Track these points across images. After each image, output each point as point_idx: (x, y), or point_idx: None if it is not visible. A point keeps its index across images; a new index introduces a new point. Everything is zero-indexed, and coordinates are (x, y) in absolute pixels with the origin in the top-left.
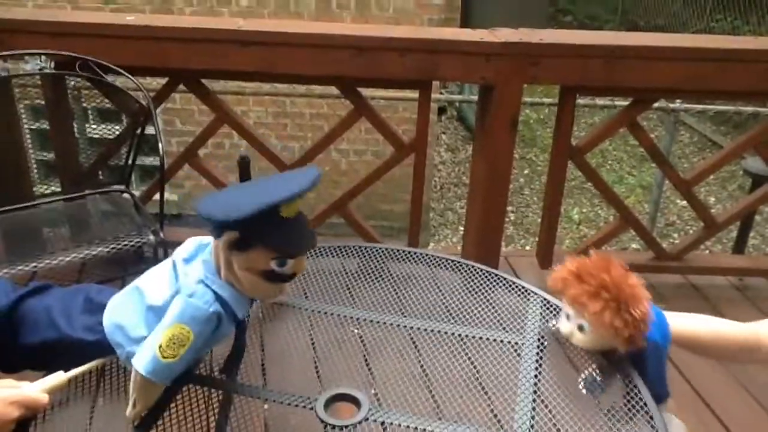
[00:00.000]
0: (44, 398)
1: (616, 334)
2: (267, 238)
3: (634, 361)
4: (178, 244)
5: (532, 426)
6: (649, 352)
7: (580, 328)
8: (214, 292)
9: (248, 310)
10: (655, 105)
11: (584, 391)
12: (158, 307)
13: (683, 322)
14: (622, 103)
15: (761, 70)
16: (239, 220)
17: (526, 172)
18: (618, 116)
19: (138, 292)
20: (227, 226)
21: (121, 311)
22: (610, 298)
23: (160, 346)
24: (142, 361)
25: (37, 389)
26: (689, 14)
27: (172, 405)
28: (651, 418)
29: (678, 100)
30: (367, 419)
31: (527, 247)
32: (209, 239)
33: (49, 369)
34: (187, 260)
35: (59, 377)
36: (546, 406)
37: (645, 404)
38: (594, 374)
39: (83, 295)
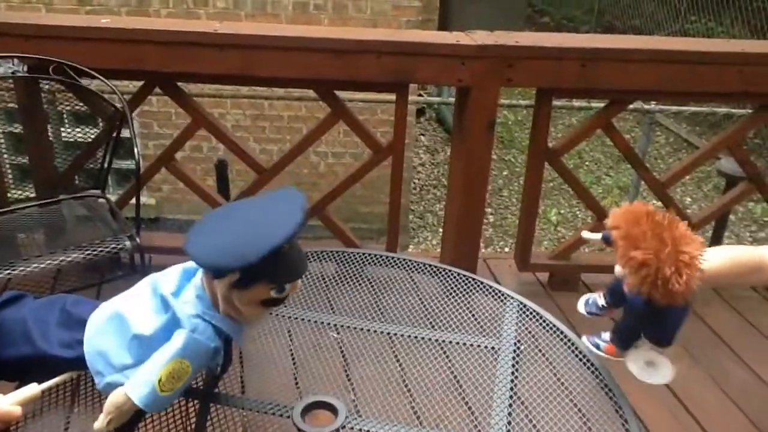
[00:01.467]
0: (17, 411)
1: (653, 299)
2: (269, 274)
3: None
4: (155, 249)
5: (509, 430)
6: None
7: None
8: (214, 327)
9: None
10: (631, 106)
11: (583, 309)
12: (146, 336)
13: (716, 264)
14: (599, 104)
15: (734, 72)
16: (245, 266)
17: (505, 173)
18: (594, 118)
19: (119, 319)
20: (231, 270)
21: (103, 337)
22: (648, 273)
23: (160, 380)
24: (138, 392)
25: (9, 402)
26: (664, 15)
27: (149, 415)
28: (626, 422)
29: (653, 102)
30: (344, 426)
31: (506, 249)
32: (190, 266)
33: (23, 380)
34: (175, 293)
35: (33, 389)
36: (524, 410)
37: (620, 407)
38: (598, 297)
39: (59, 307)
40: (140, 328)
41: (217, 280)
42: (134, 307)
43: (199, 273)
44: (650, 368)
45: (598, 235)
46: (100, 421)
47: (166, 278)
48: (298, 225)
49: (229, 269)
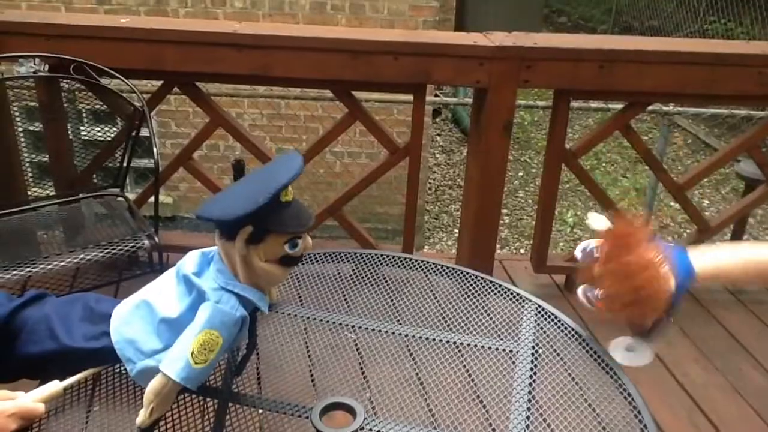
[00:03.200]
0: (41, 408)
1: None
2: (278, 224)
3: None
4: (174, 248)
5: None
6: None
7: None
8: (237, 296)
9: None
10: (649, 108)
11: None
12: (173, 319)
13: (708, 260)
14: (616, 105)
15: (754, 74)
16: (253, 212)
17: (520, 174)
18: (611, 120)
19: (146, 305)
20: (240, 223)
21: (130, 326)
22: (622, 304)
23: (192, 353)
24: (174, 368)
25: (32, 399)
26: (683, 16)
27: (168, 413)
28: (645, 427)
29: (671, 103)
30: (363, 428)
31: (522, 250)
32: (209, 250)
33: (45, 377)
34: (197, 273)
35: (55, 386)
36: (541, 414)
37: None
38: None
39: (81, 304)
40: (167, 311)
41: (233, 242)
42: (159, 293)
43: (217, 250)
44: (631, 353)
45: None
46: (143, 415)
47: (187, 262)
48: (299, 169)
49: (239, 217)
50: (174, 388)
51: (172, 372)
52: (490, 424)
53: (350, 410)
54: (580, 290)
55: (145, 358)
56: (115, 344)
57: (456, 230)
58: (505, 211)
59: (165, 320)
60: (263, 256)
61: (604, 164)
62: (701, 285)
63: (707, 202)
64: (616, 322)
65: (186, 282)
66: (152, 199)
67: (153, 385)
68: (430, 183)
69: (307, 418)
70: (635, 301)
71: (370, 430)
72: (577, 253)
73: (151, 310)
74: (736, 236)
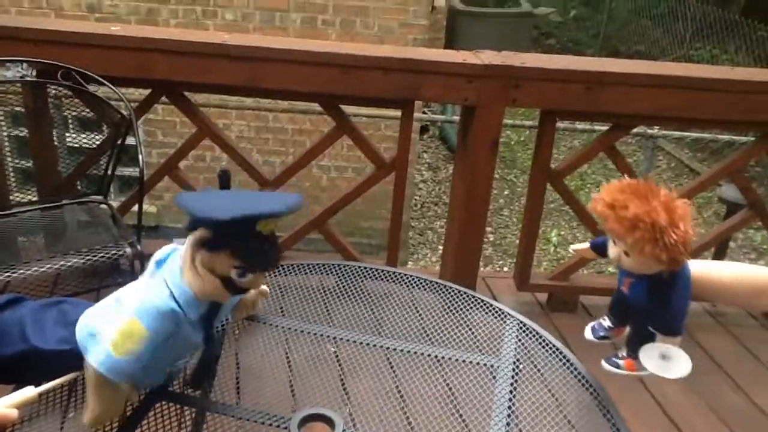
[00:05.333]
0: (14, 414)
1: (657, 261)
2: (236, 247)
3: (664, 287)
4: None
5: None
6: (681, 282)
7: (626, 253)
8: (170, 291)
9: (200, 314)
10: (634, 130)
11: (591, 336)
12: None
13: (704, 268)
14: (602, 127)
15: (737, 100)
16: (217, 221)
17: (506, 193)
18: (597, 141)
19: (117, 303)
20: (203, 223)
21: (96, 319)
22: (645, 228)
23: (113, 341)
24: (96, 357)
25: (5, 404)
26: (669, 42)
27: (144, 422)
28: None
29: (656, 127)
30: None
31: (505, 268)
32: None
33: (20, 382)
34: (158, 263)
35: (29, 392)
36: (521, 430)
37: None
38: (602, 320)
39: (57, 308)
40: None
41: (191, 239)
42: (130, 290)
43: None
44: (665, 362)
45: (585, 244)
46: (86, 411)
47: (159, 251)
48: (283, 209)
49: (202, 219)
50: (100, 378)
51: (94, 362)
52: None
53: (329, 422)
54: (603, 361)
55: None
56: (78, 334)
57: (440, 247)
58: (489, 229)
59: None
60: (207, 264)
61: (588, 185)
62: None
63: None
64: (652, 267)
65: (151, 273)
66: (135, 207)
67: (87, 375)
68: (415, 199)
69: (285, 428)
70: (655, 238)
71: None
72: (588, 336)
73: (120, 305)
74: (717, 259)
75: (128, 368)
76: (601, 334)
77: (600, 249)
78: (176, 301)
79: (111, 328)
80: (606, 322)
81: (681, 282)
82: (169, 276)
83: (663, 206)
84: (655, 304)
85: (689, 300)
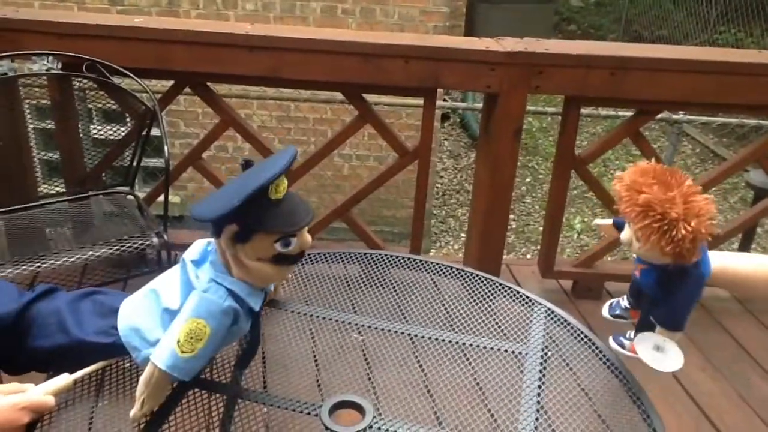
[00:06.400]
0: (51, 401)
1: (661, 252)
2: (264, 223)
3: (672, 280)
4: (182, 246)
5: None
6: (690, 279)
7: (637, 238)
8: (227, 289)
9: (263, 302)
10: (658, 116)
11: (607, 313)
12: (174, 310)
13: (727, 260)
14: (625, 113)
15: (765, 84)
16: (232, 212)
17: (528, 180)
18: (621, 127)
19: (154, 294)
20: (224, 221)
21: (137, 314)
22: (654, 218)
23: (178, 341)
24: (161, 356)
25: (43, 392)
26: (693, 26)
27: (177, 409)
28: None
29: (681, 112)
30: (371, 427)
31: (528, 256)
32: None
33: (54, 371)
34: (196, 262)
35: (65, 379)
36: (548, 418)
37: (648, 416)
38: (621, 300)
39: (92, 299)
40: (169, 302)
41: (223, 241)
42: (167, 283)
43: (215, 242)
44: (659, 354)
45: (609, 221)
46: (135, 407)
47: (192, 248)
48: (280, 169)
49: (217, 217)
50: (162, 377)
51: (159, 361)
52: (497, 427)
53: (359, 408)
54: (610, 338)
55: (149, 347)
56: (121, 332)
57: (462, 234)
58: (512, 216)
59: (167, 310)
60: (252, 254)
61: (612, 171)
62: (716, 283)
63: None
64: (658, 257)
65: (185, 271)
66: (161, 198)
67: (143, 375)
68: (437, 187)
69: (316, 415)
70: (662, 229)
71: (379, 429)
72: (605, 312)
73: (157, 299)
74: (744, 245)
75: (192, 365)
76: (617, 312)
77: (621, 228)
78: (234, 297)
79: (173, 329)
80: (624, 303)
81: (691, 279)
82: (218, 275)
83: (682, 198)
84: (660, 294)
85: (697, 299)
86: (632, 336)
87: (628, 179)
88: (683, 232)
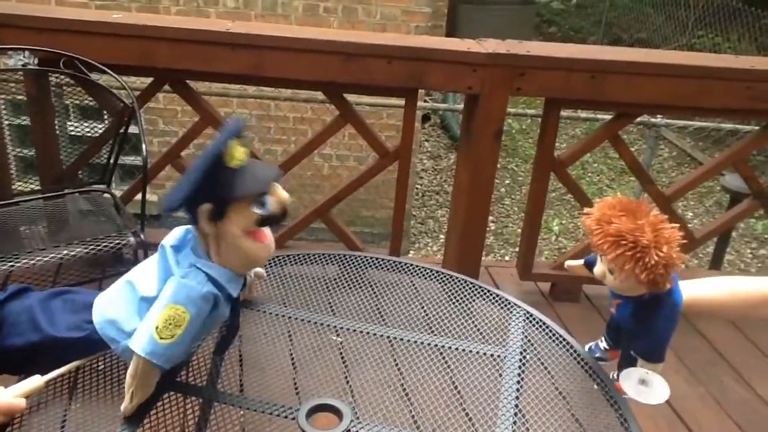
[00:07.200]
0: (21, 403)
1: (637, 281)
2: (232, 191)
3: (648, 310)
4: (158, 246)
5: None
6: (665, 308)
7: (611, 271)
8: (207, 275)
9: (241, 288)
10: (637, 120)
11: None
12: (152, 297)
13: (697, 289)
14: (604, 116)
15: (742, 89)
16: (196, 188)
17: (507, 182)
18: (601, 130)
19: (130, 285)
20: (194, 204)
21: (113, 306)
22: (627, 246)
23: (157, 327)
24: (140, 343)
25: (13, 394)
26: (671, 30)
27: (153, 412)
28: None
29: (659, 115)
30: (349, 430)
31: (506, 257)
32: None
33: (27, 372)
34: (176, 248)
35: (36, 381)
36: (525, 421)
37: (625, 420)
38: (600, 341)
39: (63, 297)
40: (146, 290)
41: (201, 223)
42: (143, 273)
43: (194, 230)
44: (645, 387)
45: (580, 261)
46: (125, 401)
47: (170, 235)
48: (227, 134)
49: (185, 198)
50: (146, 367)
51: (137, 347)
52: (475, 431)
53: (336, 412)
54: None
55: (127, 337)
56: (97, 325)
57: (441, 236)
58: (491, 218)
59: (145, 298)
60: (236, 228)
61: (589, 174)
62: (691, 312)
63: (691, 214)
64: (633, 288)
65: (164, 257)
66: (138, 196)
67: (129, 368)
68: (417, 188)
69: (293, 419)
70: (636, 257)
71: None
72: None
73: (133, 289)
74: (720, 248)
75: (172, 352)
76: (597, 354)
77: (593, 266)
78: (213, 283)
79: (151, 315)
80: (603, 344)
81: (666, 308)
82: (198, 260)
83: (650, 226)
84: (637, 326)
85: (673, 327)
86: (615, 377)
87: (597, 213)
88: (656, 258)
